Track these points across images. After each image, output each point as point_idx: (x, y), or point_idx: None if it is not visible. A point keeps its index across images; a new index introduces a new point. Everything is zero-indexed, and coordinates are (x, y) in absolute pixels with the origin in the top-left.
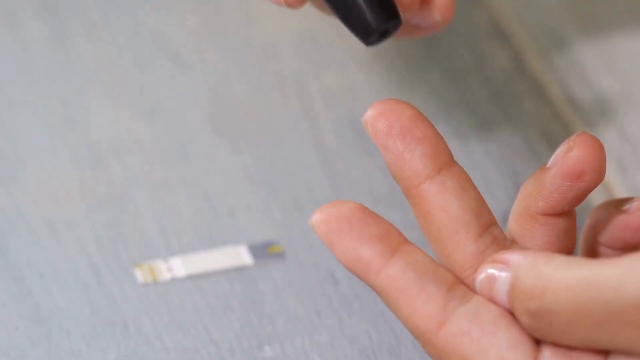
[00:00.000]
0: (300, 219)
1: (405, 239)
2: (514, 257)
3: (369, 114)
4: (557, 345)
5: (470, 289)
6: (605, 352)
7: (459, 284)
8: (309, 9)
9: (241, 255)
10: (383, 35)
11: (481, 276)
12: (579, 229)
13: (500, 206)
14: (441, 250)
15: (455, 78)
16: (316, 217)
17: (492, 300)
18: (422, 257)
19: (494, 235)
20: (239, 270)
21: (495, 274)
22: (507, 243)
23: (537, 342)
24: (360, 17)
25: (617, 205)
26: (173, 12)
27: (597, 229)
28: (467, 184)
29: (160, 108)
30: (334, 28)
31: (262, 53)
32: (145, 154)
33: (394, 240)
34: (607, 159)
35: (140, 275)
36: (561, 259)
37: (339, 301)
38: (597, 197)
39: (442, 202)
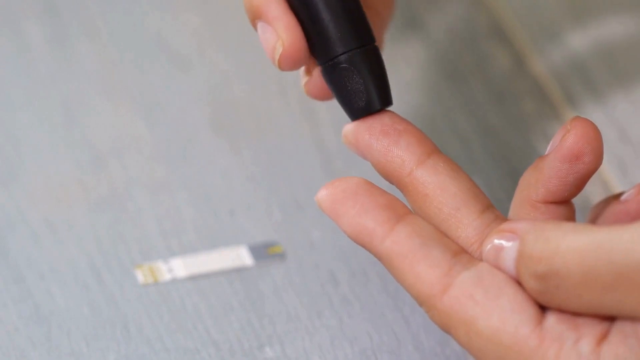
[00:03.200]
0: (301, 220)
1: (409, 210)
2: (521, 225)
3: (348, 126)
4: (562, 310)
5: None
6: (611, 318)
7: (464, 252)
8: None
9: (241, 256)
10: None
11: (488, 247)
12: None
13: (501, 206)
14: (444, 230)
15: (455, 79)
16: (322, 192)
17: (498, 269)
18: (426, 225)
19: (495, 213)
20: (240, 270)
21: (503, 243)
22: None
23: (542, 308)
24: (358, 102)
25: (615, 198)
26: (174, 13)
27: (597, 222)
28: (458, 168)
29: (160, 108)
30: None
31: (263, 53)
32: (145, 155)
33: (398, 209)
34: (607, 159)
35: (140, 275)
36: (569, 225)
37: (339, 302)
38: (598, 198)
39: (439, 182)
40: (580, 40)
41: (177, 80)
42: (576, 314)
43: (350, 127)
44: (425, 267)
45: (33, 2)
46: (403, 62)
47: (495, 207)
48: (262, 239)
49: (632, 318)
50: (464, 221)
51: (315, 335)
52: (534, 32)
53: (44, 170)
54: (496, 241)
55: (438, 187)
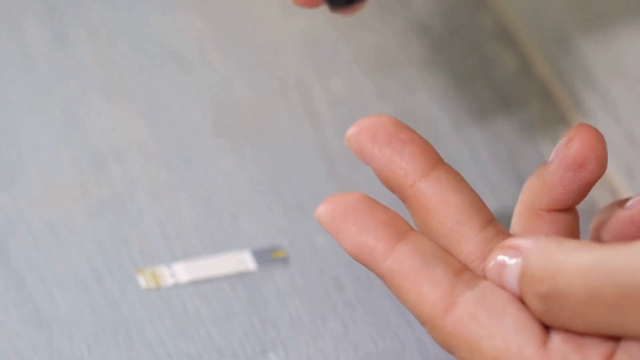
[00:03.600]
0: (305, 224)
1: (411, 227)
2: (524, 242)
3: (351, 131)
4: (567, 330)
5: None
6: (616, 339)
7: (467, 270)
8: (311, 11)
9: (244, 261)
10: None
11: (491, 264)
12: (583, 234)
13: (506, 210)
14: (445, 245)
15: (461, 82)
16: (321, 208)
17: (501, 286)
18: (428, 242)
19: (497, 228)
20: (242, 275)
21: (506, 259)
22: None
23: (546, 328)
24: None
25: (620, 204)
26: (176, 14)
27: (601, 229)
28: (461, 180)
29: (162, 111)
30: (338, 31)
31: (266, 56)
32: (147, 157)
33: (399, 227)
34: (615, 164)
35: (142, 280)
36: (573, 243)
37: (343, 307)
38: (604, 202)
39: (441, 195)
40: (587, 43)
41: (179, 82)
42: (581, 334)
43: (353, 133)
44: (427, 287)
45: (33, 2)
46: (408, 65)
47: (497, 221)
48: (265, 243)
49: (638, 338)
50: (466, 236)
51: (319, 341)
52: (540, 35)
53: (45, 172)
54: (499, 258)
55: (440, 201)
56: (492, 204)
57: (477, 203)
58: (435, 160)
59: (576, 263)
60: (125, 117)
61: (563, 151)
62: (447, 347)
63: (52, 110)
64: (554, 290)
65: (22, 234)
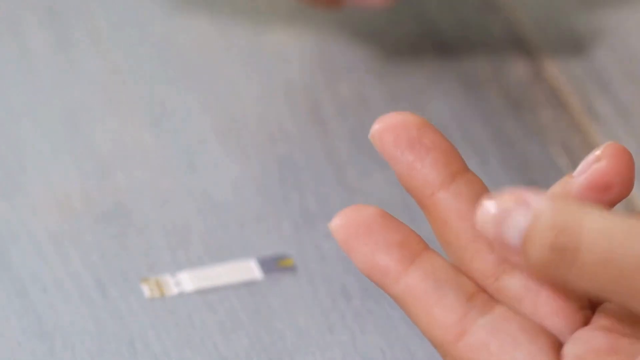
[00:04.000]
0: (312, 232)
1: (425, 246)
2: (537, 198)
3: (375, 128)
4: (564, 286)
5: (492, 297)
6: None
7: (480, 293)
8: (317, 13)
9: (251, 269)
10: None
11: (489, 208)
12: None
13: None
14: (460, 259)
15: (471, 87)
16: (335, 222)
17: (495, 237)
18: (442, 264)
19: None
20: (249, 284)
21: (511, 207)
22: None
23: None
24: None
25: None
26: (181, 19)
27: None
28: (483, 191)
29: (167, 117)
30: (347, 36)
31: (273, 62)
32: (152, 165)
33: (413, 247)
34: None
35: (147, 289)
36: (594, 206)
37: (351, 316)
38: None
39: (459, 210)
40: (599, 48)
41: (184, 88)
42: (580, 292)
43: (376, 131)
44: (439, 312)
45: (35, 6)
46: (417, 71)
47: None
48: (271, 251)
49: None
50: (481, 253)
51: (327, 351)
52: (552, 40)
53: (48, 180)
54: (503, 205)
55: (458, 216)
56: None
57: None
58: (457, 169)
59: (600, 221)
60: (129, 124)
61: (589, 170)
62: None
63: (55, 116)
64: (571, 243)
65: (25, 243)
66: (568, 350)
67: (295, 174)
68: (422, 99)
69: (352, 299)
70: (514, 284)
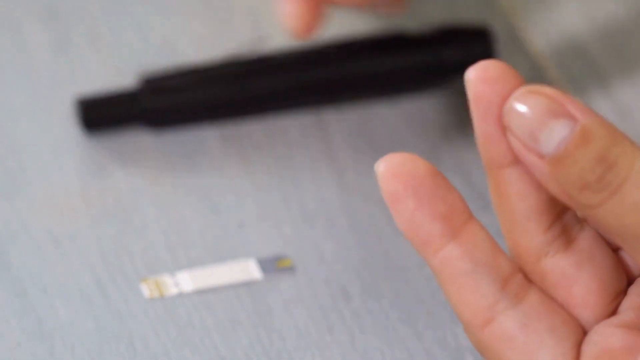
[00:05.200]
0: (311, 232)
1: (469, 216)
2: (582, 112)
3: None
4: (594, 221)
5: (528, 279)
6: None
7: (515, 276)
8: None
9: (250, 270)
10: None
11: (519, 109)
12: None
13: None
14: (510, 232)
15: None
16: (383, 168)
17: (522, 135)
18: (482, 240)
19: (564, 223)
20: (248, 284)
21: (550, 113)
22: (576, 229)
23: None
24: None
25: None
26: (179, 19)
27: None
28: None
29: None
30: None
31: None
32: (151, 165)
33: (457, 219)
34: None
35: (146, 289)
36: None
37: (350, 317)
38: None
39: (521, 189)
40: (601, 50)
41: None
42: (612, 288)
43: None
44: (471, 295)
45: (35, 7)
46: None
47: (570, 210)
48: (271, 252)
49: None
50: (530, 234)
51: (326, 351)
52: (553, 42)
53: (48, 181)
54: (538, 108)
55: (518, 194)
56: None
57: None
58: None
59: None
60: None
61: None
62: (480, 352)
63: (54, 116)
64: (617, 179)
65: (24, 244)
66: (584, 350)
67: (295, 175)
68: (421, 98)
69: (351, 299)
70: (553, 268)
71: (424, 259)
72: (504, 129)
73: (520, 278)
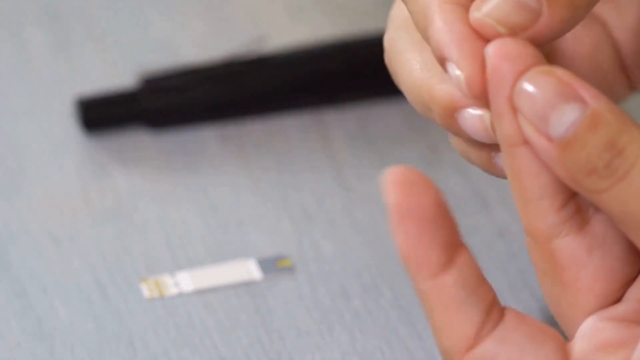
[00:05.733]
0: (311, 232)
1: (461, 242)
2: (592, 96)
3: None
4: (597, 204)
5: (541, 260)
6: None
7: (496, 304)
8: (317, 15)
9: (250, 270)
10: None
11: (528, 89)
12: None
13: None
14: (524, 211)
15: None
16: (390, 183)
17: (529, 114)
18: (472, 268)
19: (578, 203)
20: (248, 284)
21: (559, 95)
22: (591, 210)
23: None
24: None
25: None
26: (180, 19)
27: None
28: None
29: None
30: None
31: None
32: (151, 165)
33: (452, 248)
34: None
35: (146, 289)
36: None
37: (351, 317)
38: None
39: (533, 167)
40: None
41: None
42: (620, 276)
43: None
44: (458, 323)
45: (36, 7)
46: None
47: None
48: (271, 252)
49: None
50: (543, 213)
51: (326, 352)
52: None
53: (48, 182)
54: (547, 89)
55: (531, 173)
56: (503, 214)
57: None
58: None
59: None
60: None
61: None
62: None
63: (54, 116)
64: (624, 166)
65: (24, 244)
66: (577, 347)
67: (294, 174)
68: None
69: (351, 299)
70: (564, 250)
71: (412, 280)
72: (514, 108)
73: (498, 307)
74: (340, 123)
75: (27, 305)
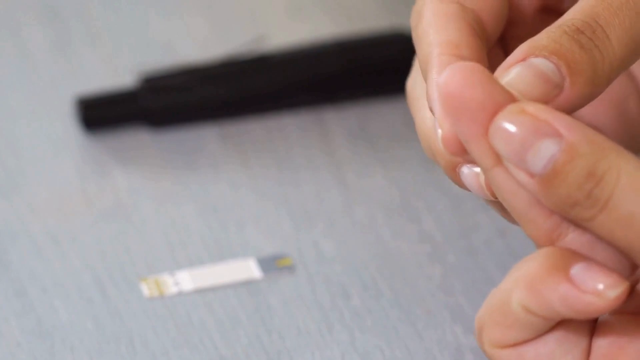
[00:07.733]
0: (311, 231)
1: None
2: (568, 128)
3: (441, 80)
4: (588, 232)
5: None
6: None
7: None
8: (317, 14)
9: (250, 269)
10: None
11: (506, 127)
12: None
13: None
14: (519, 222)
15: None
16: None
17: (509, 155)
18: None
19: None
20: (248, 283)
21: (536, 132)
22: None
23: None
24: None
25: None
26: (180, 18)
27: None
28: None
29: None
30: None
31: None
32: (151, 164)
33: None
34: None
35: (146, 289)
36: (630, 154)
37: (350, 316)
38: None
39: (511, 186)
40: None
41: None
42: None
43: (441, 84)
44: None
45: (35, 7)
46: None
47: None
48: (270, 251)
49: None
50: (536, 223)
51: (326, 351)
52: None
53: (47, 180)
54: (524, 127)
55: (511, 192)
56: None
57: None
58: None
59: (636, 175)
60: None
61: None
62: None
63: (54, 116)
64: (605, 194)
65: (24, 243)
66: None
67: (294, 174)
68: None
69: (351, 298)
70: (572, 247)
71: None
72: (480, 134)
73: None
74: (339, 122)
75: (27, 305)
